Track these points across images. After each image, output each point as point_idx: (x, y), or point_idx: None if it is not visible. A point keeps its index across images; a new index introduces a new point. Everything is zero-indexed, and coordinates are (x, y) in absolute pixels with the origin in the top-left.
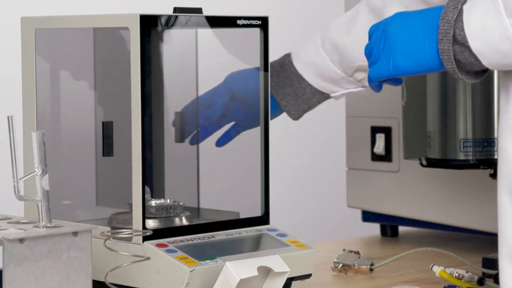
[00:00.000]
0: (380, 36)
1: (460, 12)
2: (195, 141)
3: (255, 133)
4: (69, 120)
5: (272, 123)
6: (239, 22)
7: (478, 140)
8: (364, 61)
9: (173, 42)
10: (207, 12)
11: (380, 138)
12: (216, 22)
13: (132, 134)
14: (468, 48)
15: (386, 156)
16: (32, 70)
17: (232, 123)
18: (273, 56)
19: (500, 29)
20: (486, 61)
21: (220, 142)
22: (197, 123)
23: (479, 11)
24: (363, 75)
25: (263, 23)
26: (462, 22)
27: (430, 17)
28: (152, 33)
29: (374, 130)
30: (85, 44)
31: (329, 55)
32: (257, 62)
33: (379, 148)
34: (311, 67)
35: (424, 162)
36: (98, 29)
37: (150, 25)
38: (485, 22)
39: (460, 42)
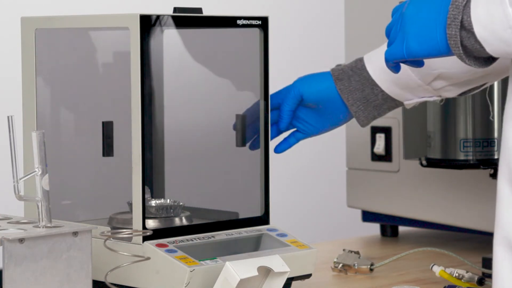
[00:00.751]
0: (398, 18)
1: None
2: (256, 145)
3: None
4: (69, 120)
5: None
6: (239, 22)
7: (478, 140)
8: (445, 69)
9: (173, 42)
10: (207, 12)
11: (380, 138)
12: (216, 22)
13: (132, 134)
14: (473, 34)
15: (386, 156)
16: (32, 70)
17: (293, 130)
18: (273, 56)
19: (503, 18)
20: (489, 48)
21: (279, 150)
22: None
23: None
24: (442, 84)
25: (263, 23)
26: (469, 8)
27: (443, 2)
28: (152, 33)
29: (374, 130)
30: (85, 44)
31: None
32: (257, 62)
33: (379, 148)
34: (387, 73)
35: (424, 162)
36: (98, 29)
37: (150, 25)
38: (489, 9)
39: (466, 28)
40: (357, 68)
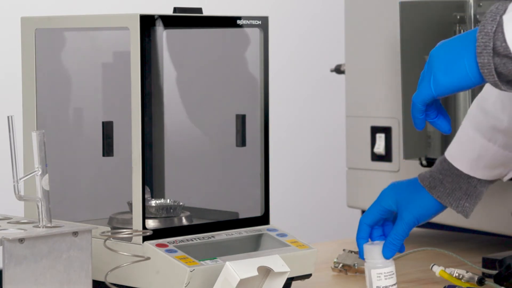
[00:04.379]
0: (426, 63)
1: (499, 24)
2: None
3: (255, 133)
4: (69, 120)
5: (272, 123)
6: (239, 22)
7: None
8: None
9: (173, 42)
10: (207, 12)
11: (380, 138)
12: (216, 22)
13: (132, 134)
14: (511, 59)
15: (386, 156)
16: (32, 70)
17: None
18: (273, 56)
19: None
20: None
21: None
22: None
23: None
24: None
25: (263, 23)
26: (503, 33)
27: (469, 33)
28: (152, 33)
29: (374, 130)
30: (85, 44)
31: (494, 142)
32: (257, 62)
33: (379, 148)
34: (477, 161)
35: (424, 162)
36: (98, 29)
37: (150, 25)
38: None
39: (502, 53)
40: (445, 169)
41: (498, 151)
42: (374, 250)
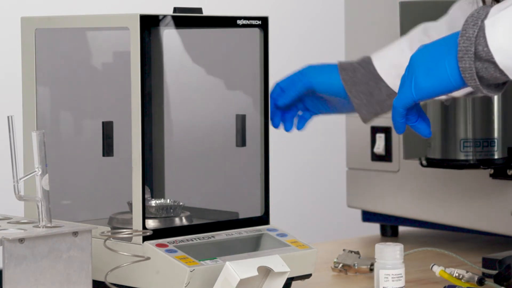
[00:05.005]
0: (406, 67)
1: (481, 29)
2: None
3: (255, 133)
4: (69, 120)
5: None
6: (239, 22)
7: (478, 140)
8: None
9: (173, 42)
10: (207, 12)
11: (380, 138)
12: (216, 22)
13: (132, 134)
14: (493, 63)
15: (386, 156)
16: (32, 70)
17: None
18: (273, 56)
19: None
20: None
21: (300, 127)
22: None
23: (504, 26)
24: None
25: (263, 23)
26: (484, 38)
27: (449, 38)
28: (152, 33)
29: (374, 130)
30: (85, 44)
31: None
32: (257, 62)
33: (379, 148)
34: (393, 68)
35: (424, 162)
36: (98, 29)
37: (150, 25)
38: None
39: (483, 58)
40: (364, 62)
41: None
42: (385, 250)
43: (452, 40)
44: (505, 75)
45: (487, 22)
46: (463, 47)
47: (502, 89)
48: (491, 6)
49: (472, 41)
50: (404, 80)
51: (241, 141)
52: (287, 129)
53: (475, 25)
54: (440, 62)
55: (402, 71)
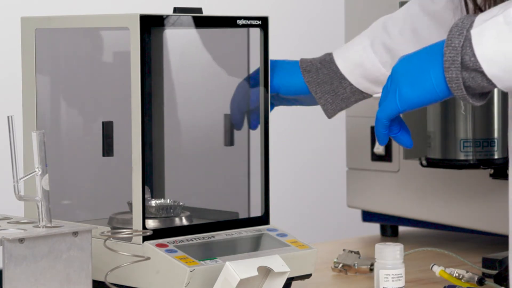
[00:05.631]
0: (388, 78)
1: (467, 38)
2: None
3: (255, 133)
4: (69, 120)
5: (272, 123)
6: (239, 22)
7: (478, 140)
8: None
9: (173, 42)
10: (207, 12)
11: None
12: (216, 22)
13: (132, 134)
14: (480, 73)
15: (386, 156)
16: (32, 70)
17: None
18: (273, 56)
19: None
20: (502, 85)
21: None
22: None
23: (492, 36)
24: None
25: (263, 23)
26: (471, 48)
27: (433, 47)
28: (152, 33)
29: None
30: (85, 44)
31: (378, 57)
32: (257, 62)
33: (379, 148)
34: (356, 67)
35: (424, 162)
36: (98, 29)
37: (150, 25)
38: (501, 46)
39: (470, 68)
40: (326, 61)
41: (378, 66)
42: (385, 250)
43: (437, 50)
44: (492, 84)
45: (473, 32)
46: (449, 57)
47: (486, 98)
48: (475, 15)
49: (458, 51)
50: (387, 91)
51: (229, 140)
52: (253, 127)
53: (461, 35)
54: (425, 72)
55: (365, 70)
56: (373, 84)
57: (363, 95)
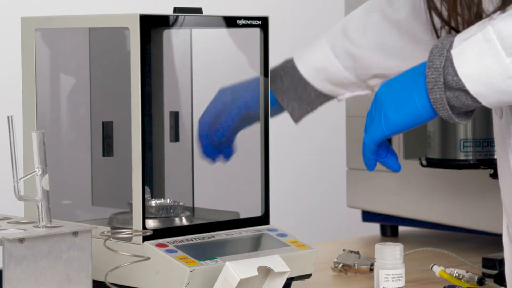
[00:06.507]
0: (372, 103)
1: (448, 59)
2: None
3: (255, 133)
4: (69, 120)
5: (272, 123)
6: (239, 22)
7: (478, 140)
8: (381, 69)
9: (173, 42)
10: (207, 12)
11: None
12: (216, 22)
13: (132, 134)
14: (464, 91)
15: None
16: (32, 70)
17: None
18: (273, 56)
19: (500, 69)
20: (486, 101)
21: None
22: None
23: (472, 54)
24: (377, 82)
25: (263, 23)
26: (453, 67)
27: (414, 70)
28: (152, 33)
29: None
30: (85, 44)
31: (341, 61)
32: (257, 62)
33: None
34: (319, 72)
35: (424, 162)
36: (98, 29)
37: (150, 25)
38: (483, 64)
39: (454, 87)
40: (288, 68)
41: (341, 70)
42: (385, 250)
43: (418, 72)
44: (477, 101)
45: (453, 52)
46: (432, 78)
47: (471, 117)
48: (453, 35)
49: (440, 72)
50: (372, 116)
51: (174, 137)
52: (227, 156)
53: (441, 56)
54: (409, 95)
55: (328, 74)
56: (338, 87)
57: (327, 98)
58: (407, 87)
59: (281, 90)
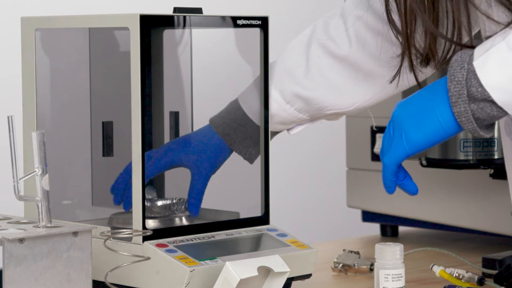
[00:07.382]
0: (388, 125)
1: (470, 71)
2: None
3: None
4: (69, 120)
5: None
6: (239, 22)
7: (478, 140)
8: (340, 109)
9: (173, 42)
10: (207, 12)
11: (380, 138)
12: (216, 22)
13: (132, 134)
14: (489, 102)
15: None
16: (32, 70)
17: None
18: (273, 56)
19: None
20: None
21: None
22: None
23: (496, 63)
24: (333, 116)
25: (263, 23)
26: (476, 79)
27: (433, 86)
28: (152, 33)
29: (374, 130)
30: (85, 44)
31: (292, 105)
32: (257, 62)
33: (379, 148)
34: (272, 118)
35: (424, 162)
36: (98, 29)
37: (150, 25)
38: (508, 72)
39: (479, 99)
40: (240, 119)
41: (293, 113)
42: (385, 250)
43: (438, 88)
44: (503, 111)
45: (476, 63)
46: (455, 92)
47: (493, 129)
48: (471, 50)
49: (463, 84)
50: (392, 137)
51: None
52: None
53: (462, 69)
54: (430, 111)
55: (282, 119)
56: (289, 125)
57: (277, 133)
58: (427, 104)
59: (238, 141)
